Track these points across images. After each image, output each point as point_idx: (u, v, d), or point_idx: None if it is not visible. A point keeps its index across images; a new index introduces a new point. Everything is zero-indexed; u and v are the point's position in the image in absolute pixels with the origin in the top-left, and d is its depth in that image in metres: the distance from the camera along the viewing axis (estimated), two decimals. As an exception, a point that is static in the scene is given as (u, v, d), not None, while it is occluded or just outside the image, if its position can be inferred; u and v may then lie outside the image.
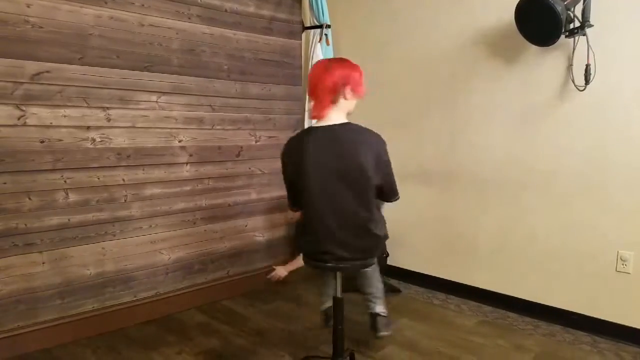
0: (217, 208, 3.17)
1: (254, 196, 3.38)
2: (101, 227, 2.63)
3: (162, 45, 2.79)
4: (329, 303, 2.33)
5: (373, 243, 1.92)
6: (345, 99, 1.86)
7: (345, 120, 1.88)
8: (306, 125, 3.37)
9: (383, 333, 2.32)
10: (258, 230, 3.42)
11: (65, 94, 2.45)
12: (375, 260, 2.13)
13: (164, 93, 2.83)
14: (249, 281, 3.31)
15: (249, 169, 3.33)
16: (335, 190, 1.81)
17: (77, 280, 2.56)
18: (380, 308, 2.34)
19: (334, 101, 1.85)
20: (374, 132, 1.86)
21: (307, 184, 1.85)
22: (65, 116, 2.47)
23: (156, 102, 2.80)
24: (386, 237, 2.01)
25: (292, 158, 1.91)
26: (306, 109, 3.40)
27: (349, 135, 1.82)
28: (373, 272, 2.32)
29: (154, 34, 2.75)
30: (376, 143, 1.83)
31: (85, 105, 2.53)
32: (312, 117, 1.97)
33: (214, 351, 2.45)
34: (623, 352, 2.38)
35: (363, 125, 1.87)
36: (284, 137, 3.53)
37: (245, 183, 3.32)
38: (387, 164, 1.88)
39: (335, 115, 1.86)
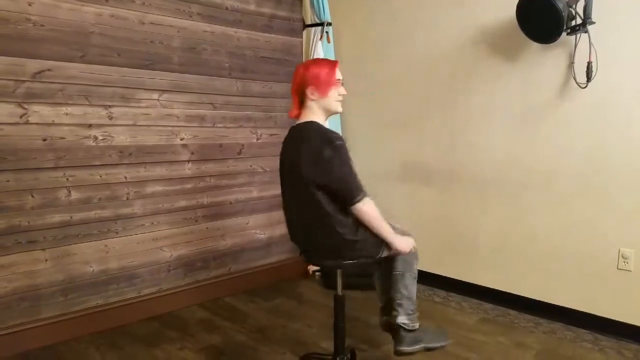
0: (219, 206, 3.17)
1: (255, 194, 3.37)
2: (104, 225, 2.64)
3: (163, 44, 2.78)
4: (381, 302, 2.14)
5: (336, 244, 1.80)
6: (312, 99, 1.84)
7: (313, 119, 1.85)
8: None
9: (400, 349, 1.95)
10: (259, 227, 3.42)
11: (66, 92, 2.45)
12: (401, 265, 1.96)
13: (165, 91, 2.82)
14: (250, 278, 3.30)
15: (250, 166, 3.32)
16: (293, 189, 1.84)
17: (80, 277, 2.57)
18: (402, 319, 1.97)
19: (301, 102, 1.88)
20: (323, 131, 1.79)
21: (281, 184, 1.94)
22: (67, 114, 2.47)
23: (157, 100, 2.79)
24: (353, 241, 1.81)
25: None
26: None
27: (299, 134, 1.82)
28: (400, 277, 2.01)
29: (155, 32, 2.75)
30: (319, 141, 1.74)
31: (87, 103, 2.53)
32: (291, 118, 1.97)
33: (216, 347, 2.45)
34: (625, 350, 2.37)
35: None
36: (285, 134, 3.53)
37: (246, 181, 3.31)
38: (331, 162, 1.72)
39: (308, 115, 1.86)
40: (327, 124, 1.91)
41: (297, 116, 1.90)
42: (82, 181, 2.55)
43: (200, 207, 3.07)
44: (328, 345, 2.29)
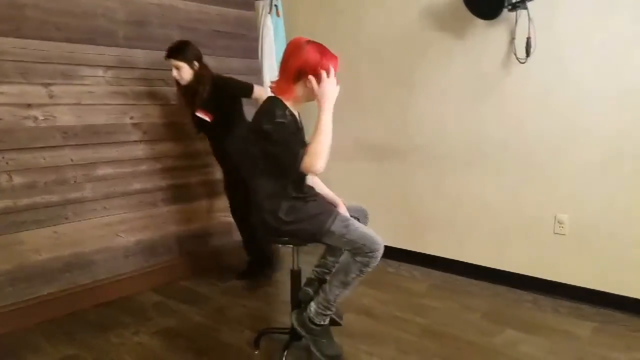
0: (179, 188, 2.92)
1: (219, 176, 3.13)
2: (52, 210, 2.36)
3: (106, 16, 2.48)
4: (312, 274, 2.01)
5: None
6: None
7: None
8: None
9: (293, 323, 1.84)
10: (224, 211, 3.20)
11: (0, 69, 2.15)
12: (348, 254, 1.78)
13: (111, 67, 2.53)
14: (207, 261, 3.09)
15: (212, 147, 3.09)
16: None
17: (29, 265, 2.29)
18: (311, 308, 1.81)
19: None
20: None
21: None
22: (2, 93, 2.16)
23: (103, 77, 2.51)
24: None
25: None
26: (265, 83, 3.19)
27: None
28: (337, 272, 1.80)
29: (97, 4, 2.44)
30: None
31: (24, 81, 2.23)
32: None
33: (172, 330, 2.26)
34: (560, 307, 2.41)
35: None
36: (248, 111, 3.23)
37: (208, 162, 3.04)
38: None
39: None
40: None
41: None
42: (25, 165, 2.26)
43: (159, 190, 2.82)
44: (287, 320, 2.19)
